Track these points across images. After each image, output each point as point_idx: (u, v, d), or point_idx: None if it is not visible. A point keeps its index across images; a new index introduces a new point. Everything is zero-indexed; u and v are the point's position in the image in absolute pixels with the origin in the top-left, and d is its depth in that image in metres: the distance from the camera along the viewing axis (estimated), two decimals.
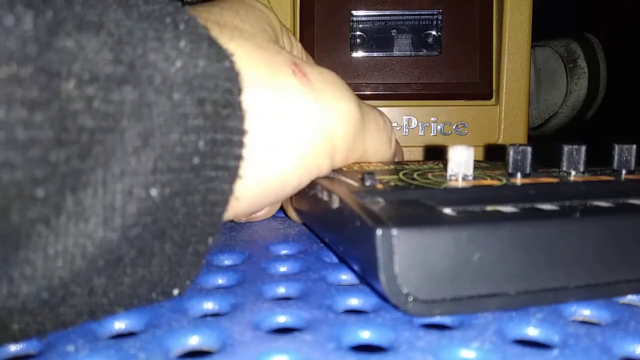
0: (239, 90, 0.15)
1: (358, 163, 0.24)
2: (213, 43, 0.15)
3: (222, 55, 0.15)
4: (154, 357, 0.13)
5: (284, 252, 0.21)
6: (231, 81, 0.15)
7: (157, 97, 0.13)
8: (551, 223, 0.14)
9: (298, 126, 0.17)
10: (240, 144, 0.15)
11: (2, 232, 0.11)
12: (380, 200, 0.16)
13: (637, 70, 0.61)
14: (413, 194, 0.17)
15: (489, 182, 0.19)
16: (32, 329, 0.13)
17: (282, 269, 0.19)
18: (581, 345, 0.13)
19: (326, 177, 0.20)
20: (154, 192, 0.13)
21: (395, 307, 0.14)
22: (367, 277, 0.15)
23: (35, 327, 0.13)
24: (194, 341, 0.14)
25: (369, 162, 0.24)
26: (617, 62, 0.60)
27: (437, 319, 0.15)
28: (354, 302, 0.16)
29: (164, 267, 0.14)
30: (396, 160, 0.27)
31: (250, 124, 0.16)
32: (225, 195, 0.15)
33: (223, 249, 0.21)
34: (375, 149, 0.23)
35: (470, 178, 0.19)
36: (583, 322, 0.14)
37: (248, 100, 0.16)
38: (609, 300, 0.16)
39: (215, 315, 0.15)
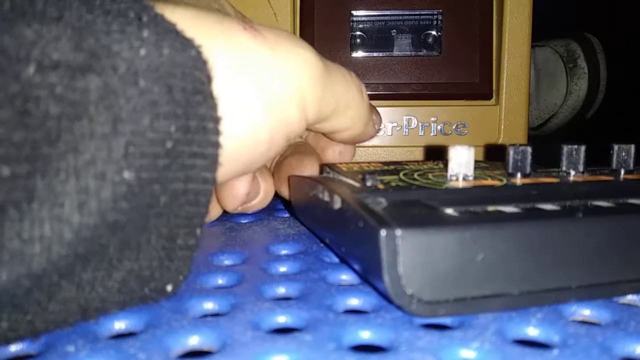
0: (209, 79, 0.15)
1: (357, 163, 0.24)
2: (179, 35, 0.15)
3: (188, 45, 0.15)
4: (154, 357, 0.13)
5: (284, 252, 0.21)
6: (199, 69, 0.15)
7: (123, 85, 0.13)
8: (554, 223, 0.14)
9: (259, 77, 0.17)
10: (216, 132, 0.15)
11: None
12: (383, 200, 0.16)
13: (637, 70, 0.61)
14: (414, 194, 0.17)
15: (489, 182, 0.19)
16: (22, 328, 0.13)
17: (282, 269, 0.19)
18: (581, 345, 0.13)
19: (327, 178, 0.20)
20: (127, 175, 0.13)
21: (399, 307, 0.14)
22: (370, 278, 0.15)
23: (26, 326, 0.13)
24: (194, 341, 0.14)
25: (370, 163, 0.24)
26: (617, 62, 0.60)
27: (437, 319, 0.15)
28: (354, 302, 0.16)
29: (153, 262, 0.14)
30: (377, 125, 0.26)
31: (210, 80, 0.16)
32: (208, 185, 0.15)
33: (223, 249, 0.21)
34: (348, 100, 0.22)
35: (471, 178, 0.19)
36: (583, 322, 0.14)
37: (204, 56, 0.16)
38: (609, 300, 0.16)
39: (215, 315, 0.15)
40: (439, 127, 0.41)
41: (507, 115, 0.41)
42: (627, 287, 0.15)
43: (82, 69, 0.12)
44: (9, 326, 0.13)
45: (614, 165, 0.22)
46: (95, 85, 0.13)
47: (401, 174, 0.21)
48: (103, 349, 0.13)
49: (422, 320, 0.14)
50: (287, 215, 0.28)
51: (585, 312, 0.15)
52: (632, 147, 0.22)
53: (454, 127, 0.41)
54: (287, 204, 0.29)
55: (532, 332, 0.14)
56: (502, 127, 0.41)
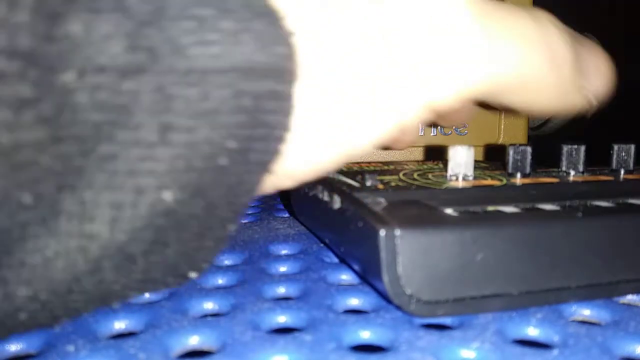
0: (291, 80, 0.13)
1: (357, 163, 0.24)
2: (271, 25, 0.12)
3: (279, 37, 0.12)
4: (154, 357, 0.13)
5: (284, 252, 0.21)
6: (281, 72, 0.12)
7: (181, 89, 0.11)
8: (553, 223, 0.14)
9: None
10: (280, 139, 0.13)
11: None
12: (382, 200, 0.16)
13: (637, 70, 0.61)
14: (414, 194, 0.17)
15: (489, 182, 0.19)
16: (42, 317, 0.12)
17: (282, 269, 0.19)
18: (581, 345, 0.13)
19: (326, 178, 0.20)
20: (168, 194, 0.12)
21: (398, 307, 0.14)
22: (370, 278, 0.15)
23: (45, 315, 0.12)
24: (194, 341, 0.14)
25: (370, 163, 0.24)
26: (617, 62, 0.60)
27: (437, 319, 0.15)
28: (354, 302, 0.16)
29: (179, 255, 0.13)
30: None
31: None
32: (253, 188, 0.13)
33: (223, 249, 0.21)
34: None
35: (471, 178, 0.19)
36: (583, 322, 0.14)
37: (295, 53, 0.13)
38: (609, 300, 0.16)
39: (215, 315, 0.15)
40: (439, 127, 0.41)
41: (507, 115, 0.41)
42: (627, 287, 0.15)
43: (135, 69, 0.11)
44: (29, 315, 0.12)
45: (614, 165, 0.22)
46: (147, 88, 0.11)
47: (401, 174, 0.21)
48: (103, 349, 0.13)
49: (422, 320, 0.14)
50: (287, 215, 0.28)
51: (585, 312, 0.15)
52: (632, 147, 0.22)
53: (454, 127, 0.41)
54: (287, 204, 0.29)
55: (532, 332, 0.14)
56: (502, 127, 0.41)
